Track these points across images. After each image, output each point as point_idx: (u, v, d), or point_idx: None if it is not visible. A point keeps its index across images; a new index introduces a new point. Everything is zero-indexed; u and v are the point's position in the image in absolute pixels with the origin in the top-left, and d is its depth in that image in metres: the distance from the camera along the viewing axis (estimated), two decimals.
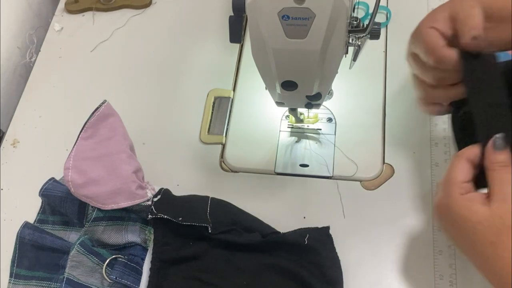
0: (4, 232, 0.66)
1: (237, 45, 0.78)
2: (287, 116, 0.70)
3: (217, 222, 0.58)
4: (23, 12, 0.84)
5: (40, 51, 0.82)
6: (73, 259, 0.57)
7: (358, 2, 0.76)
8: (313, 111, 0.69)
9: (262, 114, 0.71)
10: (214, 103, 0.73)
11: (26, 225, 0.62)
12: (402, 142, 0.66)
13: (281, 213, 0.64)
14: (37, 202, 0.68)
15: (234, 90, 0.74)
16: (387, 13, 0.78)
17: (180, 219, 0.57)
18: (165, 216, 0.57)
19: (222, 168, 0.68)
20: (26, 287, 0.60)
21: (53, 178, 0.64)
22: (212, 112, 0.73)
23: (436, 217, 0.51)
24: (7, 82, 0.81)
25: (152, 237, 0.60)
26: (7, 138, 0.74)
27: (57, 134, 0.73)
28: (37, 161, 0.71)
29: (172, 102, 0.75)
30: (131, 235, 0.60)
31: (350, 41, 0.52)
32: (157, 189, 0.61)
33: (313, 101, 0.57)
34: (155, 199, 0.59)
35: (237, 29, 0.50)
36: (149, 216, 0.58)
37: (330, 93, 0.71)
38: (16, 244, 0.62)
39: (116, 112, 0.62)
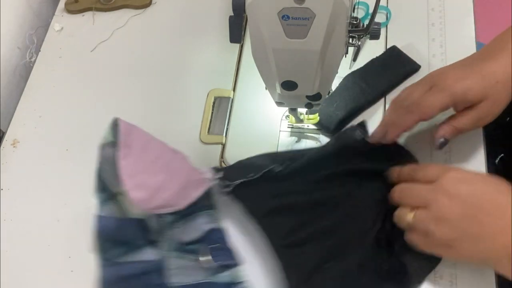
0: (4, 232, 0.66)
1: (237, 45, 0.78)
2: (287, 116, 0.70)
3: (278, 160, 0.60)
4: (23, 12, 0.84)
5: (40, 51, 0.82)
6: (174, 266, 0.57)
7: (358, 2, 0.76)
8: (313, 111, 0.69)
9: (262, 114, 0.71)
10: (214, 103, 0.73)
11: (104, 264, 0.58)
12: (401, 142, 0.66)
13: None
14: (37, 202, 0.68)
15: (234, 90, 0.74)
16: (387, 13, 0.78)
17: (252, 175, 0.57)
18: (241, 180, 0.57)
19: None
20: None
21: (97, 216, 0.61)
22: (212, 112, 0.73)
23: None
24: (7, 82, 0.81)
25: (222, 218, 0.60)
26: (7, 138, 0.74)
27: (57, 134, 0.73)
28: (37, 161, 0.71)
29: (172, 102, 0.75)
30: (205, 224, 0.60)
31: (350, 41, 0.52)
32: (207, 169, 0.61)
33: (313, 101, 0.57)
34: (218, 177, 0.58)
35: (237, 29, 0.50)
36: (227, 190, 0.57)
37: (330, 93, 0.71)
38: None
39: (129, 122, 0.61)
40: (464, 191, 0.50)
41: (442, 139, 0.58)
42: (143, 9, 0.84)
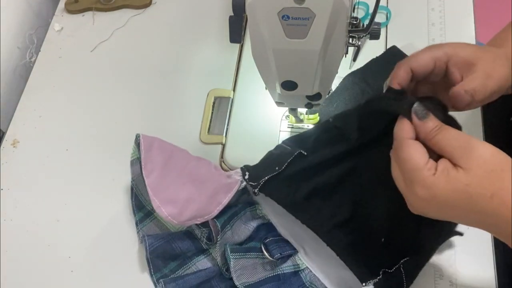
0: (4, 232, 0.66)
1: (237, 45, 0.78)
2: (287, 116, 0.70)
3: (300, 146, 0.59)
4: (23, 12, 0.84)
5: (40, 51, 0.82)
6: (236, 268, 0.57)
7: (358, 2, 0.76)
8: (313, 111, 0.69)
9: (262, 114, 0.71)
10: (214, 103, 0.73)
11: (165, 282, 0.58)
12: None
13: None
14: (37, 202, 0.68)
15: (234, 90, 0.74)
16: (387, 13, 0.78)
17: (277, 168, 0.57)
18: (267, 177, 0.56)
19: (222, 168, 0.68)
20: None
21: (143, 235, 0.61)
22: (212, 112, 0.73)
23: (424, 213, 0.47)
24: (7, 82, 0.81)
25: (265, 211, 0.61)
26: (7, 138, 0.74)
27: (57, 134, 0.73)
28: (37, 161, 0.71)
29: (172, 102, 0.75)
30: (252, 221, 0.60)
31: (350, 41, 0.52)
32: (234, 172, 0.60)
33: (313, 101, 0.57)
34: (246, 177, 0.58)
35: (237, 29, 0.50)
36: (256, 191, 0.57)
37: (330, 93, 0.71)
38: None
39: (151, 136, 0.61)
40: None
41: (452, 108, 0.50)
42: (143, 9, 0.84)
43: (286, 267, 0.59)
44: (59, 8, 0.86)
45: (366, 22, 0.50)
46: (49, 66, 0.80)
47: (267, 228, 0.61)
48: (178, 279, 0.58)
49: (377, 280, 0.53)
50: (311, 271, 0.59)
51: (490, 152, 0.43)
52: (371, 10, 0.77)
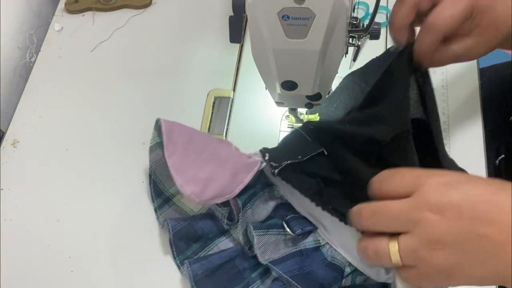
0: (4, 232, 0.66)
1: (237, 45, 0.78)
2: (287, 116, 0.70)
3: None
4: (23, 12, 0.84)
5: (40, 51, 0.82)
6: (259, 245, 0.57)
7: (358, 2, 0.76)
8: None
9: (262, 114, 0.71)
10: (214, 103, 0.73)
11: (190, 262, 0.59)
12: None
13: None
14: (37, 202, 0.68)
15: (234, 90, 0.74)
16: (387, 13, 0.78)
17: (299, 157, 0.57)
18: (288, 162, 0.56)
19: None
20: None
21: (164, 220, 0.62)
22: (212, 112, 0.73)
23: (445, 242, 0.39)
24: (7, 82, 0.81)
25: (282, 192, 0.61)
26: (7, 138, 0.74)
27: (57, 134, 0.73)
28: (37, 161, 0.71)
29: (172, 102, 0.75)
30: (270, 201, 0.61)
31: (350, 41, 0.52)
32: (254, 153, 0.61)
33: (313, 101, 0.57)
34: (267, 158, 0.58)
35: (237, 29, 0.50)
36: (274, 171, 0.56)
37: (330, 93, 0.71)
38: (193, 286, 0.58)
39: (171, 120, 0.61)
40: (455, 199, 0.39)
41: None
42: (143, 9, 0.84)
43: (308, 243, 0.59)
44: (59, 8, 0.86)
45: (366, 22, 0.50)
46: (49, 66, 0.80)
47: (285, 207, 0.62)
48: (202, 259, 0.59)
49: None
50: (331, 246, 0.59)
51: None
52: (371, 10, 0.77)
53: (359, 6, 0.78)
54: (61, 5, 0.85)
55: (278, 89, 0.53)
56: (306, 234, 0.59)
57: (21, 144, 0.73)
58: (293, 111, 0.64)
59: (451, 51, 0.50)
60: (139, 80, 0.77)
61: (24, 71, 0.83)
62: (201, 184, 0.56)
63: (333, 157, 0.57)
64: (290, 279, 0.55)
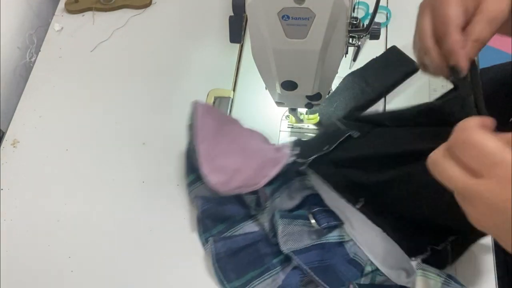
0: (4, 232, 0.66)
1: (237, 45, 0.78)
2: (287, 116, 0.70)
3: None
4: (23, 12, 0.84)
5: (40, 51, 0.82)
6: (283, 234, 0.57)
7: (358, 2, 0.76)
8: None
9: (262, 114, 0.71)
10: (214, 103, 0.73)
11: (214, 240, 0.60)
12: None
13: None
14: (37, 202, 0.68)
15: (234, 90, 0.74)
16: (387, 13, 0.78)
17: (326, 148, 0.57)
18: (315, 156, 0.57)
19: None
20: None
21: (195, 196, 0.63)
22: None
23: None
24: (7, 82, 0.81)
25: (311, 183, 0.61)
26: (7, 138, 0.74)
27: (57, 134, 0.73)
28: (37, 161, 0.71)
29: (172, 102, 0.75)
30: (301, 191, 0.61)
31: (350, 41, 0.52)
32: (284, 146, 0.61)
33: (313, 101, 0.57)
34: (295, 152, 0.59)
35: (237, 29, 0.50)
36: (303, 166, 0.57)
37: (330, 93, 0.71)
38: (214, 263, 0.59)
39: (206, 104, 0.62)
40: None
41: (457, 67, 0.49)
42: (143, 9, 0.84)
43: (332, 237, 0.59)
44: (59, 8, 0.86)
45: (366, 22, 0.50)
46: (49, 66, 0.80)
47: (314, 199, 0.62)
48: (226, 239, 0.60)
49: (425, 256, 0.54)
50: (355, 243, 0.59)
51: None
52: (371, 10, 0.77)
53: (359, 6, 0.78)
54: (61, 5, 0.86)
55: (278, 89, 0.53)
56: (331, 228, 0.60)
57: (21, 144, 0.73)
58: (293, 111, 0.64)
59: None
60: (139, 80, 0.77)
61: (24, 71, 0.83)
62: (228, 175, 0.57)
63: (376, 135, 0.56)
64: (309, 270, 0.56)
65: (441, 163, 0.40)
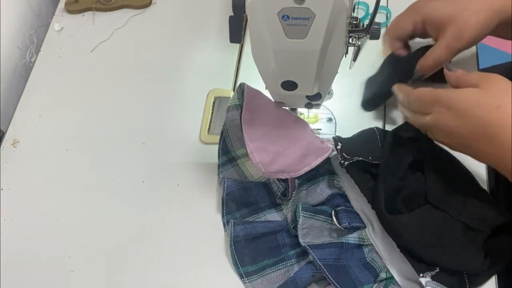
0: (4, 232, 0.66)
1: (237, 45, 0.78)
2: None
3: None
4: (23, 12, 0.84)
5: (40, 51, 0.82)
6: (303, 227, 0.58)
7: (358, 2, 0.76)
8: (313, 111, 0.69)
9: None
10: (214, 103, 0.73)
11: (235, 223, 0.60)
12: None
13: None
14: (37, 202, 0.68)
15: (234, 90, 0.74)
16: (387, 13, 0.78)
17: (370, 158, 0.58)
18: (360, 158, 0.57)
19: None
20: (263, 278, 0.59)
21: (223, 177, 0.64)
22: (212, 112, 0.73)
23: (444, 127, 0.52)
24: (7, 82, 0.81)
25: (342, 183, 0.63)
26: (7, 138, 0.74)
27: (57, 134, 0.73)
28: (37, 161, 0.71)
29: (172, 102, 0.75)
30: (328, 189, 0.62)
31: (350, 41, 0.52)
32: (327, 139, 0.61)
33: (313, 101, 0.57)
34: (339, 147, 0.59)
35: (237, 29, 0.50)
36: (344, 163, 0.57)
37: (330, 93, 0.71)
38: (231, 245, 0.60)
39: (254, 88, 0.62)
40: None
41: (419, 73, 0.62)
42: (143, 9, 0.84)
43: (351, 238, 0.59)
44: (59, 8, 0.86)
45: (366, 22, 0.50)
46: (49, 66, 0.80)
47: (340, 198, 0.62)
48: (247, 223, 0.61)
49: (434, 273, 0.54)
50: (374, 248, 0.59)
51: (503, 78, 0.50)
52: (371, 10, 0.77)
53: (359, 6, 0.78)
54: (61, 5, 0.86)
55: (278, 89, 0.53)
56: (352, 229, 0.60)
57: (21, 144, 0.73)
58: (293, 111, 0.64)
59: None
60: (139, 80, 0.77)
61: (24, 71, 0.83)
62: (271, 156, 0.57)
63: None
64: (322, 267, 0.56)
65: (406, 115, 0.58)
